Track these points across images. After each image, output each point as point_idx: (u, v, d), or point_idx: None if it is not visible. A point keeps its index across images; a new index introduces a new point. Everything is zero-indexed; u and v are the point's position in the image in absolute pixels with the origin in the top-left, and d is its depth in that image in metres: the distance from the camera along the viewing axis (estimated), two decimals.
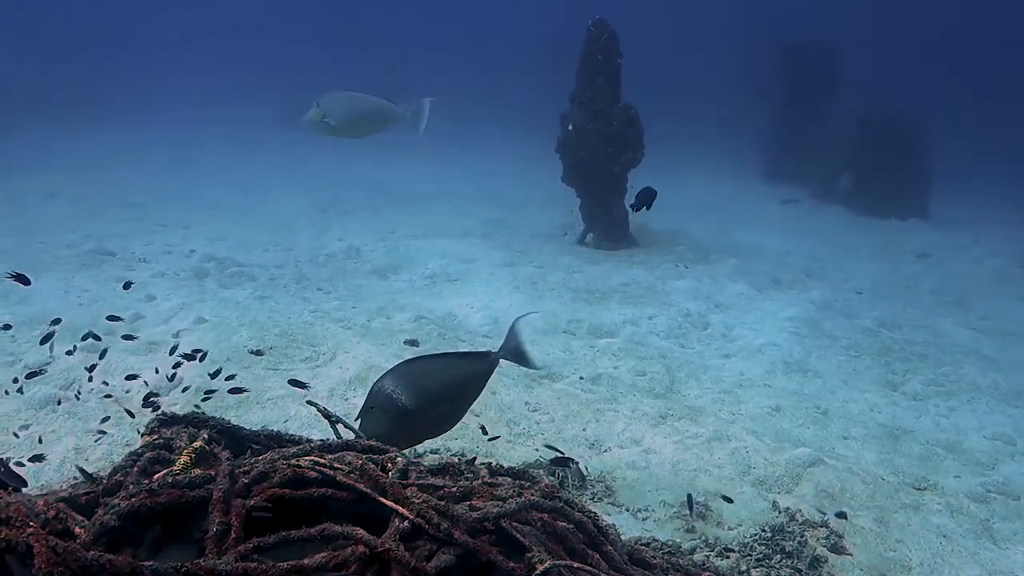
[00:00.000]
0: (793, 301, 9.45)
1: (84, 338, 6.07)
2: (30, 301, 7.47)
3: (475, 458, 3.42)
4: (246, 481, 2.50)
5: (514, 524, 2.46)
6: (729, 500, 4.63)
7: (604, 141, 11.13)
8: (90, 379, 5.59)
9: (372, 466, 2.54)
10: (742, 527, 4.41)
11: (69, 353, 5.87)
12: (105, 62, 31.96)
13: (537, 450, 5.14)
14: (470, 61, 37.65)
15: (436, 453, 4.76)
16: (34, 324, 6.67)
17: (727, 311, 8.89)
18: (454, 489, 2.58)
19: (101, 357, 5.85)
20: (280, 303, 8.03)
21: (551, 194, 13.08)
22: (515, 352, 3.60)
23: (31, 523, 1.90)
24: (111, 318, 6.39)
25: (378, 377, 3.45)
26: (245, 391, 5.36)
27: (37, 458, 4.58)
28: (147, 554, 2.39)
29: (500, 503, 2.49)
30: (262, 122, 22.05)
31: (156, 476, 2.60)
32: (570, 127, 11.34)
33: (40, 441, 4.74)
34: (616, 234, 11.63)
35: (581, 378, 6.54)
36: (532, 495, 2.61)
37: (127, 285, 6.61)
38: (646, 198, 7.31)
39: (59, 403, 5.31)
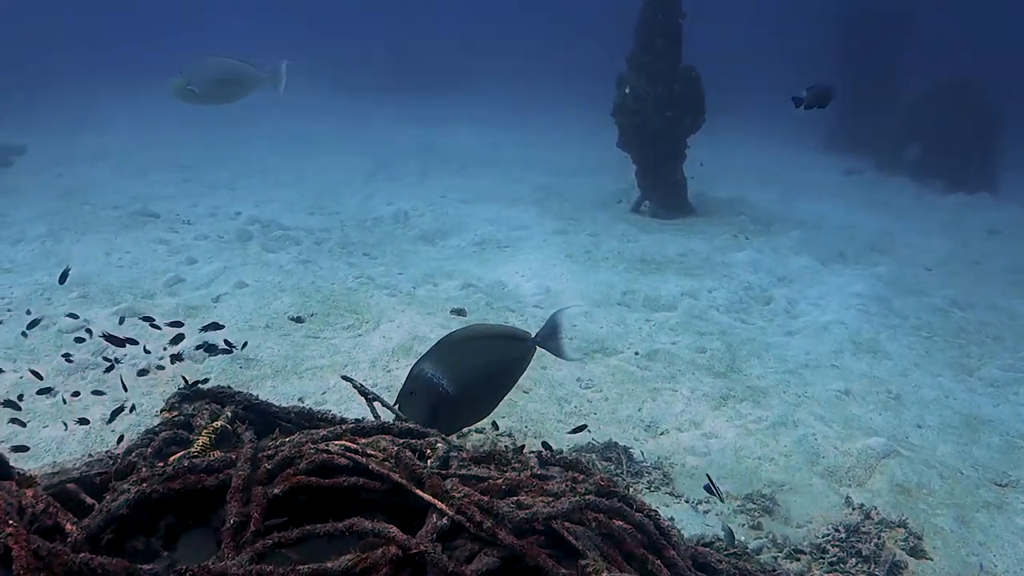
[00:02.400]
0: (859, 276, 8.97)
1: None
2: (70, 262, 7.32)
3: (523, 446, 3.14)
4: (269, 467, 2.29)
5: (566, 525, 2.18)
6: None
7: (663, 105, 10.63)
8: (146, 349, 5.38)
9: (408, 453, 2.30)
10: (812, 525, 4.07)
11: (119, 348, 5.50)
12: (157, 25, 32.08)
13: (589, 431, 4.83)
14: (528, 22, 37.10)
15: (481, 433, 4.47)
16: (71, 286, 6.52)
17: (790, 285, 8.45)
18: (500, 482, 2.33)
19: (120, 323, 5.66)
20: (324, 268, 7.80)
21: (605, 160, 12.66)
22: (551, 343, 3.49)
23: (11, 521, 1.64)
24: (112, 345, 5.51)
25: (416, 360, 3.26)
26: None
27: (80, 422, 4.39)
28: (161, 543, 2.19)
29: (551, 500, 2.22)
30: (311, 87, 21.85)
31: (172, 458, 2.38)
32: (627, 90, 10.84)
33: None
34: (673, 203, 11.19)
35: (636, 354, 6.19)
36: (586, 490, 2.32)
37: (63, 276, 5.52)
38: (820, 95, 5.67)
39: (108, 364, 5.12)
